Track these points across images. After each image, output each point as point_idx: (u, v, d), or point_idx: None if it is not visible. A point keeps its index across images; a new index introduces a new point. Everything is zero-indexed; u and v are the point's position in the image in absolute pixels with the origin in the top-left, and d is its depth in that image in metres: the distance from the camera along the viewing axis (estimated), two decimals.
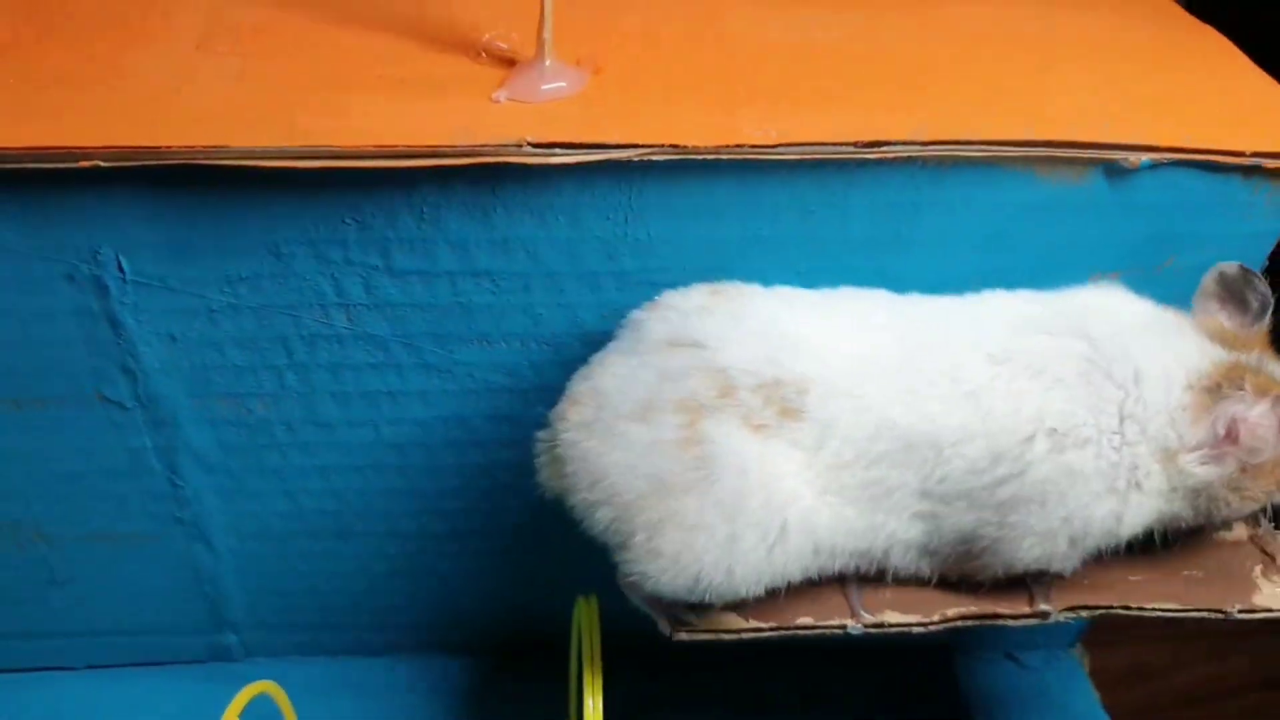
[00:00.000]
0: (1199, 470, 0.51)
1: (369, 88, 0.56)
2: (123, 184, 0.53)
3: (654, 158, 0.53)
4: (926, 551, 0.55)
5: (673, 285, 0.57)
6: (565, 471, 0.52)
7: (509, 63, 0.58)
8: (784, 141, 0.54)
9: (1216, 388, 0.51)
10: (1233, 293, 0.55)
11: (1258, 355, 0.53)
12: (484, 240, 0.57)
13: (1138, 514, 0.53)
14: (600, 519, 0.51)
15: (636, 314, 0.55)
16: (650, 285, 0.58)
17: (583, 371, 0.54)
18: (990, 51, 0.64)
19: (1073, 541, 0.53)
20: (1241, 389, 0.50)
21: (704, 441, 0.49)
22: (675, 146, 0.53)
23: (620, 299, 0.59)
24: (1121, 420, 0.51)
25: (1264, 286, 0.54)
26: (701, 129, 0.54)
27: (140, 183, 0.53)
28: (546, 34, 0.55)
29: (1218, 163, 0.57)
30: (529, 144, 0.53)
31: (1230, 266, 0.55)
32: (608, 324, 0.59)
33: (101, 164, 0.51)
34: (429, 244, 0.57)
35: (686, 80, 0.59)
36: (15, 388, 0.61)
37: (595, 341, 0.57)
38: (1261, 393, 0.50)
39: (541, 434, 0.54)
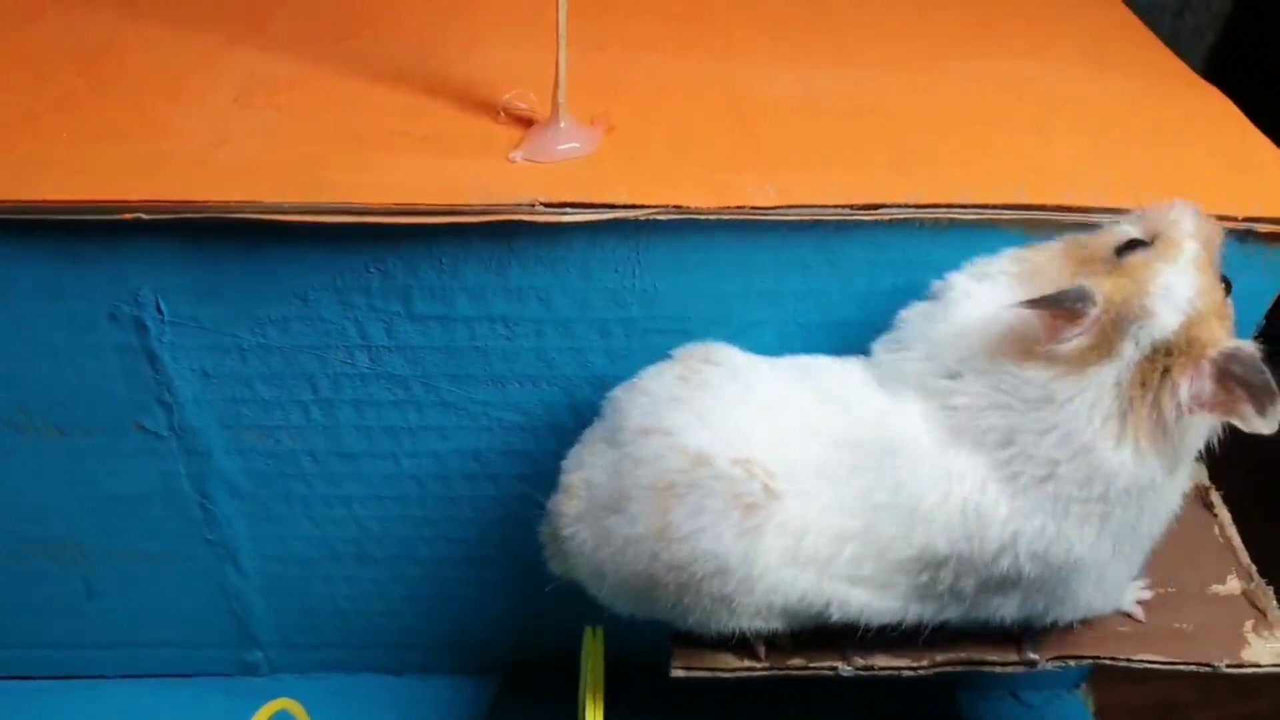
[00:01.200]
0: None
1: (393, 145, 0.60)
2: (163, 233, 0.56)
3: (659, 217, 0.56)
4: (939, 618, 0.55)
5: (677, 331, 0.61)
6: (570, 565, 0.55)
7: (526, 122, 0.61)
8: (784, 203, 0.56)
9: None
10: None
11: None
12: (499, 289, 0.60)
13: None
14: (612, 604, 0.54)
15: (617, 393, 0.57)
16: (657, 332, 0.62)
17: (573, 457, 0.56)
18: (989, 110, 0.66)
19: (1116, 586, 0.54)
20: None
21: (680, 539, 0.50)
22: (679, 207, 0.56)
23: (628, 344, 0.63)
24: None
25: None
26: (706, 189, 0.57)
27: (179, 232, 0.56)
28: (560, 98, 0.58)
29: None
30: (541, 204, 0.56)
31: None
32: (616, 368, 0.62)
33: (144, 216, 0.55)
34: (448, 292, 0.60)
35: (694, 137, 0.62)
36: (60, 416, 0.65)
37: (604, 384, 0.60)
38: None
39: (543, 527, 0.57)
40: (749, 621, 0.53)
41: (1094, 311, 0.48)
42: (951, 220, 0.57)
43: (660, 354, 0.58)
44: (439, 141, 0.60)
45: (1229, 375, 0.46)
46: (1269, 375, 0.45)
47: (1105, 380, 0.48)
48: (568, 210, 0.56)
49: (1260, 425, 0.45)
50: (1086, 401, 0.48)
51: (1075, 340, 0.48)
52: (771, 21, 0.76)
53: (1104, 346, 0.48)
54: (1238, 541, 0.66)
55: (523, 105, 0.62)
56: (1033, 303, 0.48)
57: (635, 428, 0.53)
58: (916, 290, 0.60)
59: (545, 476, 0.58)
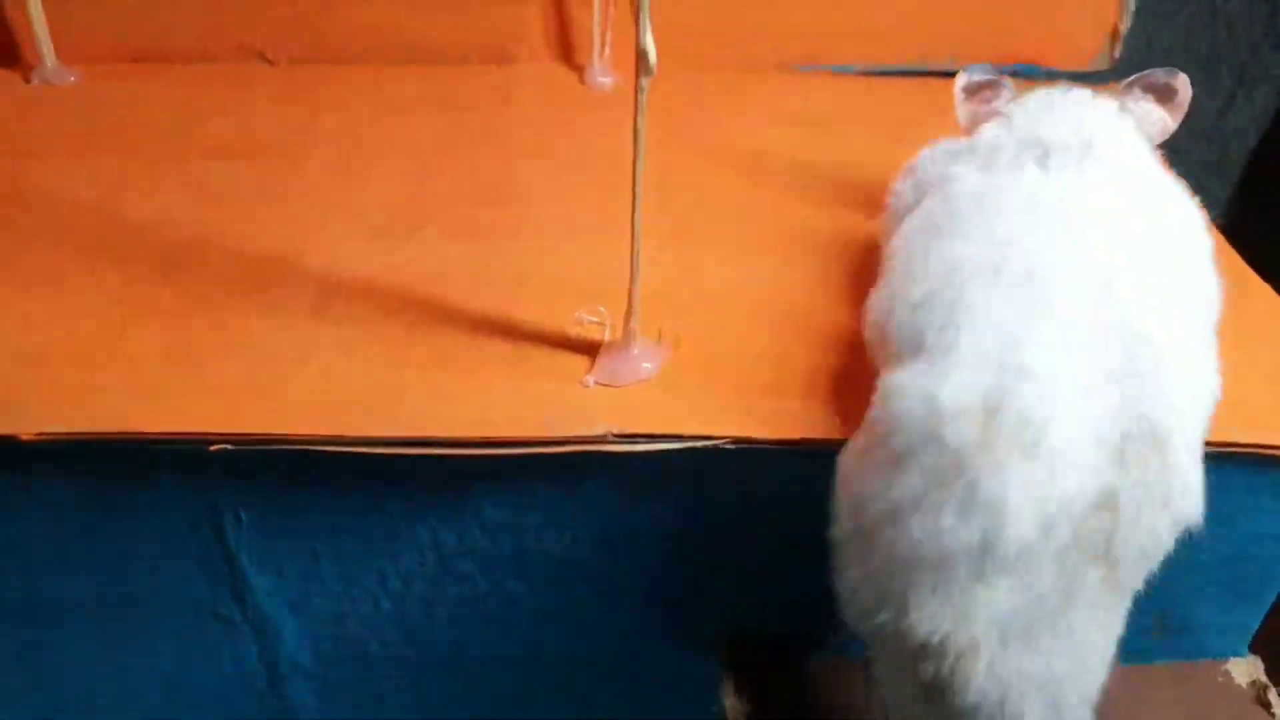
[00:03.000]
0: None
1: (469, 366, 0.61)
2: (247, 459, 0.59)
3: (726, 446, 0.58)
4: None
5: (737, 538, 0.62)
6: None
7: (597, 342, 0.63)
8: (850, 437, 0.58)
9: None
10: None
11: None
12: (570, 502, 0.62)
13: None
14: None
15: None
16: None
17: None
18: None
19: None
20: None
21: None
22: (746, 439, 0.57)
23: (687, 546, 0.64)
24: None
25: None
26: (771, 418, 0.58)
27: (263, 458, 0.59)
28: (634, 325, 0.60)
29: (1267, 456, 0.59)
30: (614, 435, 0.57)
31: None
32: (670, 569, 0.64)
33: (229, 448, 0.57)
34: (519, 506, 0.62)
35: (757, 355, 0.63)
36: (144, 605, 0.67)
37: (666, 581, 0.61)
38: None
39: None
40: None
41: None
42: None
43: None
44: (514, 360, 0.62)
45: None
46: None
47: None
48: (639, 440, 0.58)
49: None
50: None
51: None
52: (832, 211, 0.77)
53: None
54: None
55: (594, 319, 0.64)
56: None
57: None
58: None
59: (604, 661, 0.59)
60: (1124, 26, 0.91)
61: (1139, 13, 0.92)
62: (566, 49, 0.94)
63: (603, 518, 0.63)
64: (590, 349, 0.63)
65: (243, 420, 0.58)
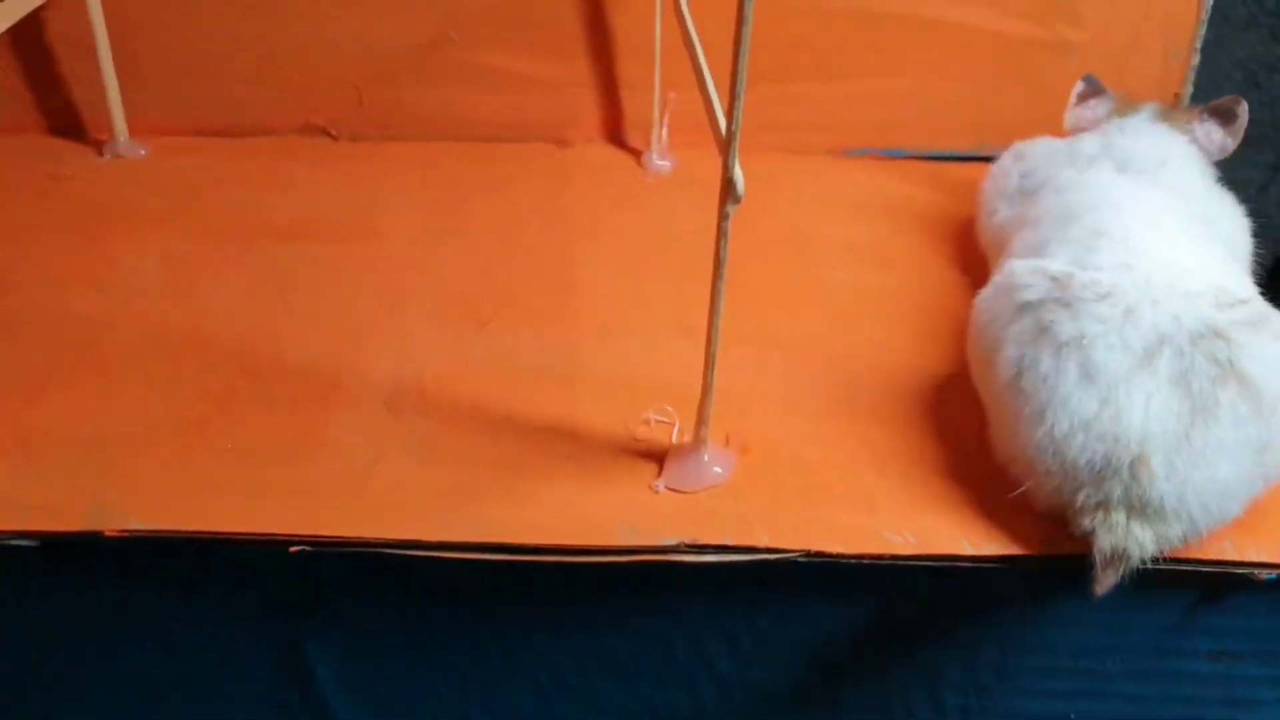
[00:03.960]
0: None
1: (542, 468, 0.62)
2: (325, 558, 0.59)
3: (799, 560, 0.58)
4: None
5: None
6: None
7: (664, 442, 0.64)
8: (922, 553, 0.58)
9: None
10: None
11: None
12: (644, 603, 0.62)
13: None
14: None
15: None
16: (785, 642, 0.64)
17: None
18: None
19: None
20: None
21: None
22: (819, 553, 0.58)
23: (755, 649, 0.64)
24: None
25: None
26: (843, 532, 0.59)
27: (340, 558, 0.59)
28: (705, 432, 0.61)
29: None
30: (685, 545, 0.58)
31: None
32: (741, 670, 0.64)
33: (308, 549, 0.58)
34: (588, 610, 0.63)
35: (824, 463, 0.64)
36: (201, 690, 0.68)
37: (727, 682, 0.62)
38: None
39: None
40: None
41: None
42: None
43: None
44: (583, 460, 0.63)
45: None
46: None
47: None
48: (709, 551, 0.58)
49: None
50: None
51: None
52: (889, 303, 0.78)
53: None
54: None
55: (662, 419, 0.65)
56: None
57: None
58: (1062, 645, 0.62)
59: None
60: (1185, 96, 0.92)
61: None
62: (623, 131, 0.96)
63: (664, 621, 0.63)
64: (658, 450, 0.64)
65: (322, 521, 0.59)
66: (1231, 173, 0.80)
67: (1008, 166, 0.81)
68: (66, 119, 0.96)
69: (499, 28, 0.91)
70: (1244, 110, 0.77)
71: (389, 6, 0.90)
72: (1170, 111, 0.80)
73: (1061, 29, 0.89)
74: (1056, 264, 0.62)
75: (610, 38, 0.92)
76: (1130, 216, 0.67)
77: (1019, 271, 0.63)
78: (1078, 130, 0.81)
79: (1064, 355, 0.57)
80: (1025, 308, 0.60)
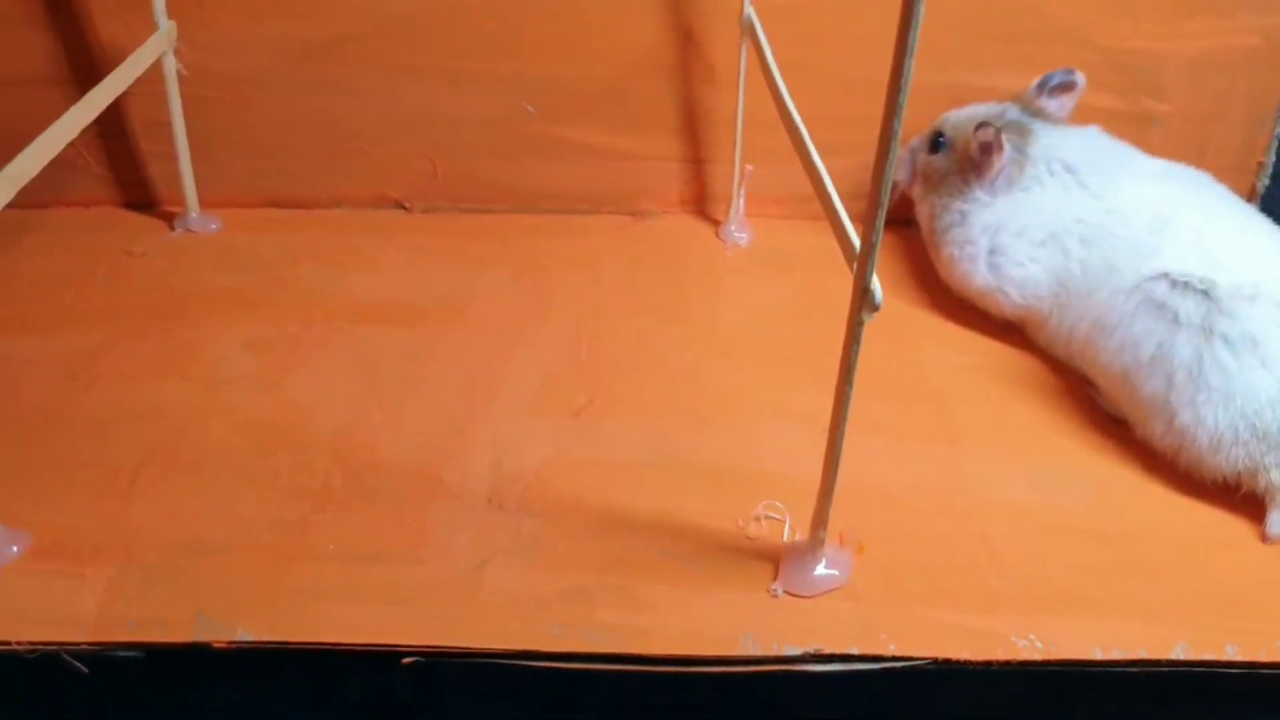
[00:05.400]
0: None
1: (654, 572, 0.61)
2: (439, 668, 0.58)
3: (925, 667, 0.57)
4: None
5: None
6: None
7: (776, 540, 0.63)
8: (1051, 658, 0.57)
9: None
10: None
11: None
12: (759, 704, 0.61)
13: None
14: None
15: None
16: None
17: None
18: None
19: None
20: None
21: None
22: (947, 661, 0.56)
23: None
24: None
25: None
26: (968, 637, 0.57)
27: (454, 667, 0.58)
28: (823, 535, 0.59)
29: None
30: (811, 654, 0.56)
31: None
32: None
33: (420, 659, 0.57)
34: (711, 712, 0.61)
35: (940, 564, 0.62)
36: None
37: None
38: None
39: None
40: None
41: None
42: (1214, 675, 0.57)
43: None
44: (696, 561, 0.61)
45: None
46: None
47: None
48: (836, 660, 0.57)
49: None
50: None
51: None
52: (989, 401, 0.76)
53: None
54: None
55: (773, 515, 0.64)
56: None
57: None
58: None
59: None
60: (1268, 164, 0.92)
61: None
62: (697, 202, 0.95)
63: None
64: (770, 547, 0.62)
65: (433, 630, 0.57)
66: None
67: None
68: (139, 192, 0.96)
69: (574, 101, 0.91)
70: (1080, 77, 0.83)
71: (465, 82, 0.90)
72: (1032, 106, 0.82)
73: (1146, 102, 0.89)
74: (1187, 276, 0.70)
75: (684, 111, 0.92)
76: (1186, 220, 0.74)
77: (1159, 292, 0.70)
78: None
79: (1241, 353, 0.67)
80: (1186, 323, 0.68)
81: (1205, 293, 0.68)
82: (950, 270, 0.83)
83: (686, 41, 0.89)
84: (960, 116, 0.84)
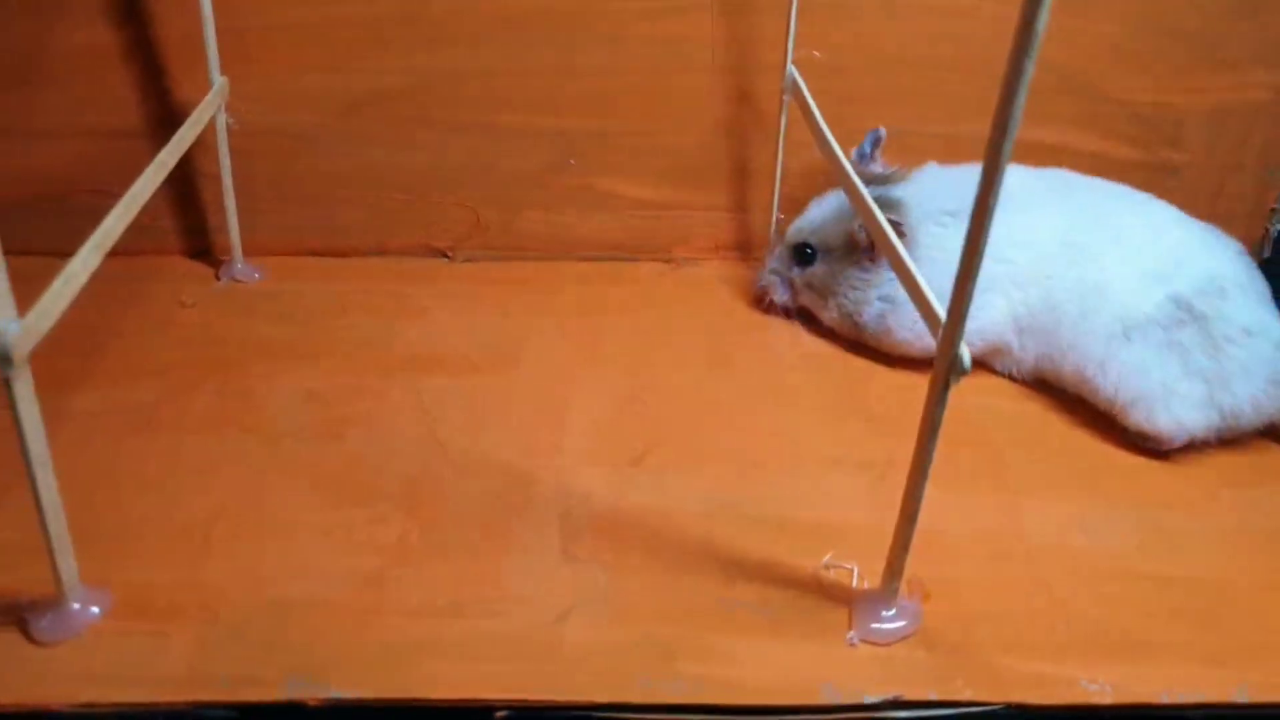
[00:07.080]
0: None
1: (729, 620, 0.62)
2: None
3: (999, 712, 0.59)
4: None
5: None
6: None
7: (846, 590, 0.65)
8: (1120, 702, 0.59)
9: None
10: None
11: None
12: None
13: None
14: None
15: None
16: None
17: None
18: None
19: None
20: None
21: None
22: (1020, 705, 0.59)
23: None
24: None
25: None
26: (1039, 682, 0.59)
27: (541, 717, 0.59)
28: (897, 585, 0.61)
29: None
30: (891, 700, 0.58)
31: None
32: None
33: (511, 714, 0.58)
34: None
35: (1004, 609, 0.64)
36: None
37: None
38: None
39: None
40: None
41: None
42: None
43: None
44: (769, 612, 0.63)
45: None
46: None
47: None
48: (915, 708, 0.58)
49: None
50: None
51: None
52: (1033, 445, 0.79)
53: None
54: None
55: (843, 565, 0.66)
56: None
57: None
58: None
59: None
60: (1274, 231, 0.96)
61: None
62: (733, 249, 0.98)
63: None
64: (841, 594, 0.64)
65: (521, 683, 0.58)
66: None
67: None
68: (185, 241, 0.97)
69: (616, 154, 0.93)
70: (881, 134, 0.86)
71: (508, 137, 0.92)
72: (872, 175, 0.84)
73: (1165, 152, 0.93)
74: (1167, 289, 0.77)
75: (723, 164, 0.95)
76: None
77: (1147, 306, 0.77)
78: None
79: (1243, 340, 0.76)
80: (1185, 320, 0.76)
81: (1190, 309, 0.76)
82: (909, 348, 0.84)
83: (730, 99, 0.92)
84: (814, 221, 0.86)
